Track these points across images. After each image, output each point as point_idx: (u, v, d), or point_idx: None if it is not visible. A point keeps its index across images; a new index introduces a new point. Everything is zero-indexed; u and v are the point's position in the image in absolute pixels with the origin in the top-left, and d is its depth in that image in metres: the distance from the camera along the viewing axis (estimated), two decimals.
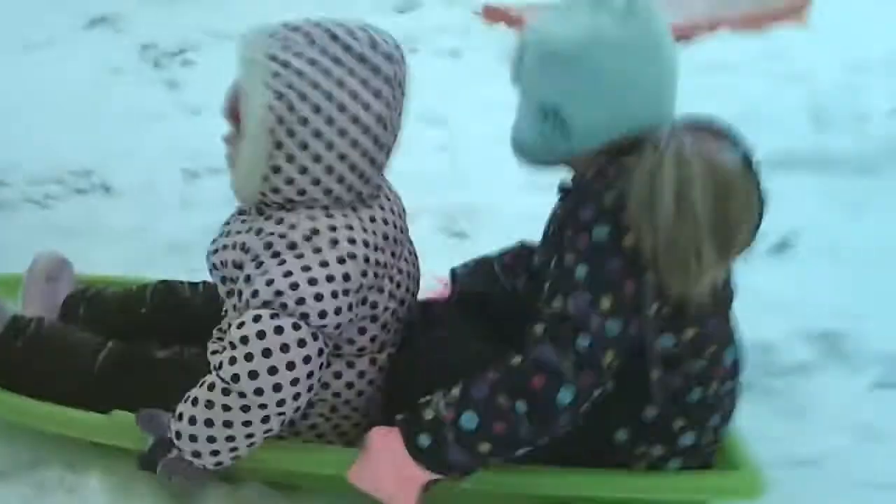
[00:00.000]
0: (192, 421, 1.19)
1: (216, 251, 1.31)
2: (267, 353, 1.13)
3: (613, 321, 1.13)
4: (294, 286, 1.14)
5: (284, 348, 1.13)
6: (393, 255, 1.29)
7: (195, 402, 1.20)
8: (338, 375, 1.29)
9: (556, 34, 1.18)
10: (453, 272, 1.57)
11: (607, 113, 1.19)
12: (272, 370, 1.13)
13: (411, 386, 1.26)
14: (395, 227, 1.32)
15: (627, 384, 1.19)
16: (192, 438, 1.20)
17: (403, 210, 1.41)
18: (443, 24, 3.99)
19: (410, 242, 1.42)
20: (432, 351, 1.33)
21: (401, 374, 1.34)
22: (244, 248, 1.23)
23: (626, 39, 1.16)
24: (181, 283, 1.62)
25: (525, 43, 1.24)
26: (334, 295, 1.16)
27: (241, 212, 1.34)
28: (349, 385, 1.30)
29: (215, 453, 1.20)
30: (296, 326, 1.14)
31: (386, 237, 1.27)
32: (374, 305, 1.26)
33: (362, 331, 1.28)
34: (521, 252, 1.52)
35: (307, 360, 1.15)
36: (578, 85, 1.18)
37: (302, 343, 1.14)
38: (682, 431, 1.26)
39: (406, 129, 1.30)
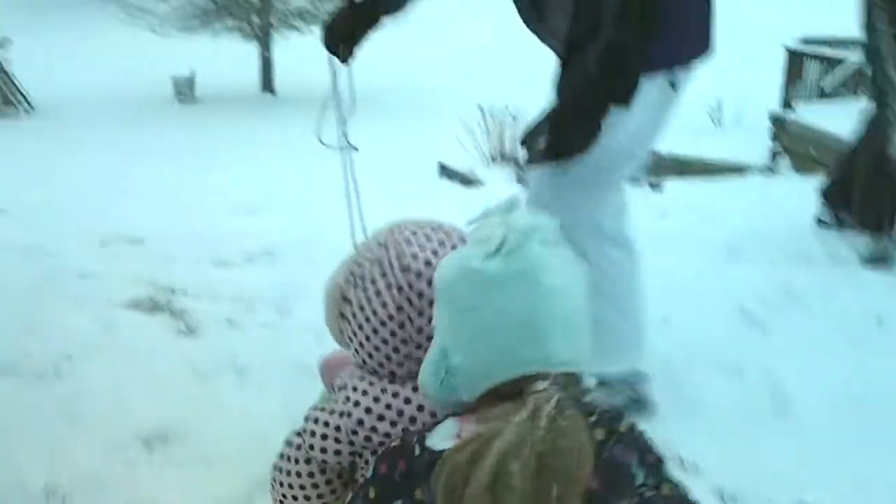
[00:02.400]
0: None
1: None
2: (279, 461, 1.45)
3: None
4: (312, 419, 1.39)
5: (287, 459, 1.43)
6: (388, 435, 1.34)
7: None
8: None
9: (440, 268, 1.12)
10: None
11: (482, 355, 1.04)
12: (275, 478, 1.46)
13: None
14: (412, 418, 1.35)
15: None
16: None
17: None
18: None
19: None
20: None
21: None
22: None
23: (493, 273, 1.03)
24: None
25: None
26: (324, 437, 1.36)
27: None
28: None
29: None
30: (298, 447, 1.41)
31: (400, 413, 1.35)
32: (353, 467, 1.40)
33: None
34: None
35: (297, 474, 1.42)
36: (455, 322, 1.08)
37: (295, 461, 1.42)
38: None
39: None
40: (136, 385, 2.43)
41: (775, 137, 6.64)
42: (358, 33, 2.37)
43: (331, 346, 1.56)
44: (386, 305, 1.34)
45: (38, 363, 2.56)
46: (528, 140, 2.14)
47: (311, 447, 1.37)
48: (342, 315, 1.41)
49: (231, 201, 9.05)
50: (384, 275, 1.34)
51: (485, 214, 1.10)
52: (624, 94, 1.97)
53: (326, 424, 1.36)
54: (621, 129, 2.07)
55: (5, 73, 14.75)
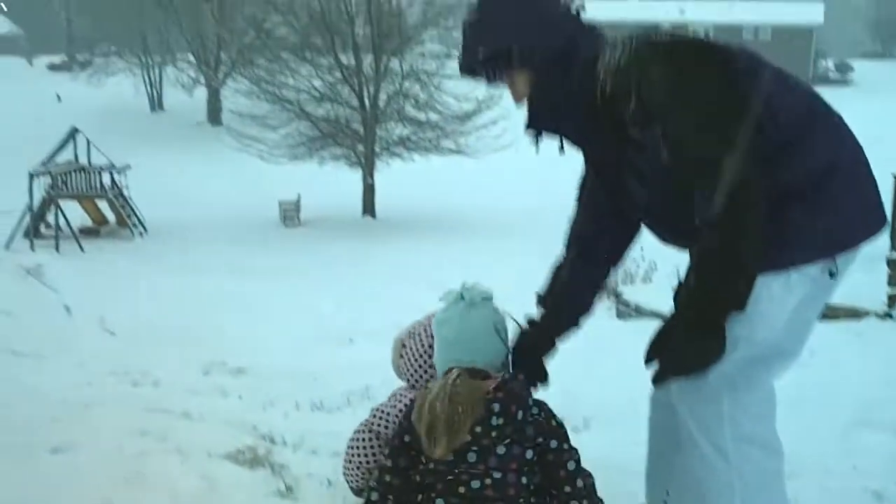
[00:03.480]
0: None
1: None
2: (353, 435, 2.61)
3: None
4: (376, 409, 2.60)
5: (359, 432, 2.59)
6: None
7: None
8: None
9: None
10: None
11: (438, 358, 2.24)
12: (349, 446, 2.61)
13: None
14: None
15: None
16: None
17: None
18: None
19: None
20: None
21: None
22: None
23: (439, 319, 2.25)
24: None
25: None
26: (380, 417, 2.54)
27: None
28: None
29: None
30: (366, 423, 2.57)
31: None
32: None
33: None
34: None
35: (362, 440, 2.55)
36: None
37: (363, 431, 2.57)
38: None
39: None
40: None
41: (892, 280, 6.35)
42: (540, 362, 2.45)
43: None
44: (423, 345, 2.49)
45: None
46: (648, 359, 2.05)
47: (374, 424, 2.49)
48: (401, 356, 2.56)
49: (331, 328, 9.13)
50: (425, 330, 2.50)
51: (449, 292, 2.24)
52: (732, 300, 1.86)
53: (383, 411, 2.51)
54: (766, 326, 1.95)
55: (123, 197, 15.61)
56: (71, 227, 14.41)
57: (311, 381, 5.35)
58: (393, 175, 17.98)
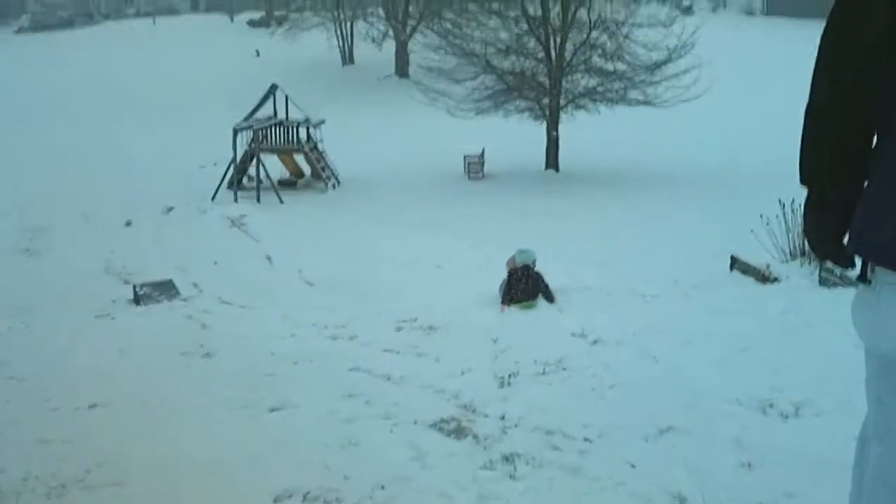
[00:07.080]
0: None
1: None
2: None
3: None
4: None
5: None
6: None
7: None
8: None
9: None
10: None
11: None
12: None
13: None
14: None
15: None
16: None
17: None
18: None
19: None
20: None
21: None
22: None
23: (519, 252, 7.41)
24: None
25: None
26: None
27: None
28: None
29: None
30: None
31: None
32: None
33: None
34: None
35: None
36: None
37: None
38: None
39: None
40: None
41: None
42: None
43: None
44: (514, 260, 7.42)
45: (356, 491, 2.65)
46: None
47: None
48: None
49: None
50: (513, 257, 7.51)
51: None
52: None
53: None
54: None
55: (318, 150, 16.27)
56: (271, 180, 15.19)
57: (499, 343, 5.39)
58: (577, 128, 17.69)
